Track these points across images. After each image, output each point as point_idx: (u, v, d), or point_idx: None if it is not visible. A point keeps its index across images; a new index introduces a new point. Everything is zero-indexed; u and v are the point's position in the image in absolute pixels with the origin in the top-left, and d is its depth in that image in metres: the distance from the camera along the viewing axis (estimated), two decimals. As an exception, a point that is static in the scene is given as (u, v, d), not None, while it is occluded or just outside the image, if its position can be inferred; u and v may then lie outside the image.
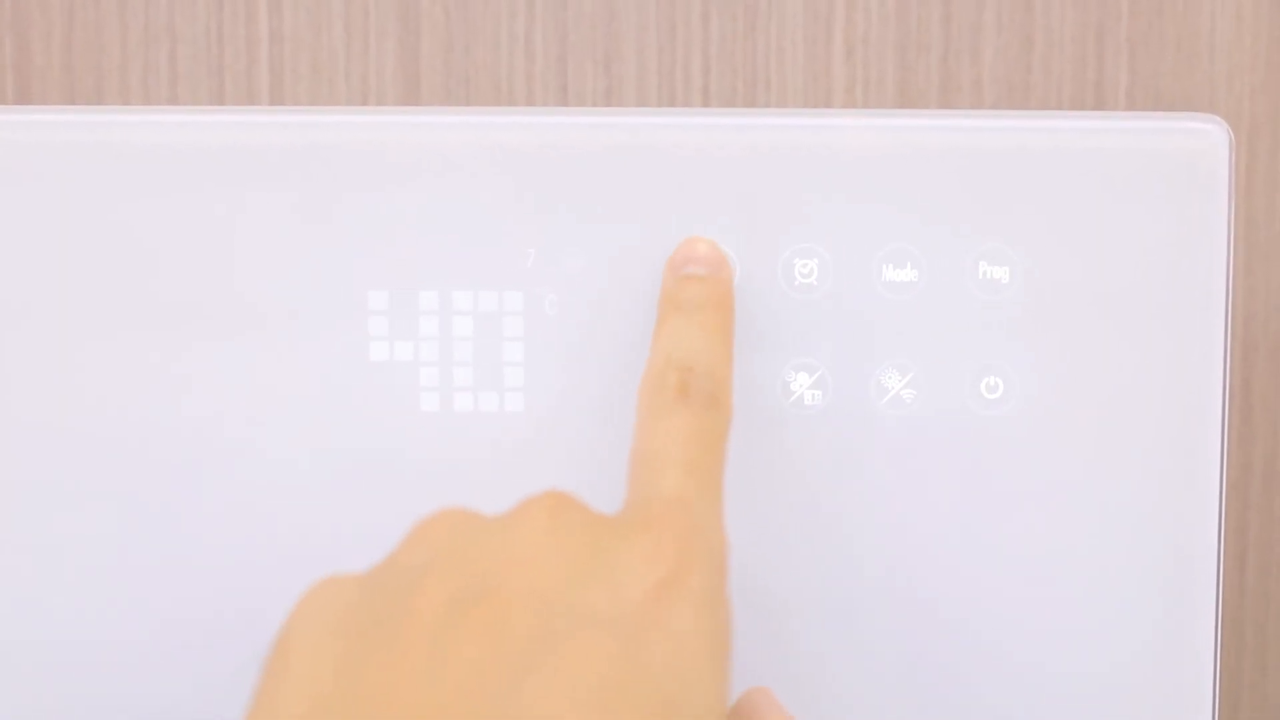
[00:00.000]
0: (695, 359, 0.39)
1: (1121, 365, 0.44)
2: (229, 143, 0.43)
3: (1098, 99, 0.50)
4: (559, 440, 0.44)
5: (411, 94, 0.49)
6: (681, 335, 0.40)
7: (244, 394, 0.44)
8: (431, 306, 0.43)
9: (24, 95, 0.49)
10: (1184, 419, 0.44)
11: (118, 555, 0.44)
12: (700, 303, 0.41)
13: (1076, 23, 0.49)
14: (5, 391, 0.43)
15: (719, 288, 0.42)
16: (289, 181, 0.43)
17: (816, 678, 0.45)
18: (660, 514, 0.34)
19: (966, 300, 0.43)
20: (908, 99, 0.50)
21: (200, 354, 0.43)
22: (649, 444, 0.37)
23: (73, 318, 0.43)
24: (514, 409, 0.44)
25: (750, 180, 0.43)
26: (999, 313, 0.43)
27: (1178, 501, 0.44)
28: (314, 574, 0.44)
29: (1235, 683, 0.51)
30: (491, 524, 0.34)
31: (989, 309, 0.43)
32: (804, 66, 0.49)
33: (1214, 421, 0.44)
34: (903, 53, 0.49)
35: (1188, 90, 0.50)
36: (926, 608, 0.45)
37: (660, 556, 0.32)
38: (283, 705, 0.31)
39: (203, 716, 0.44)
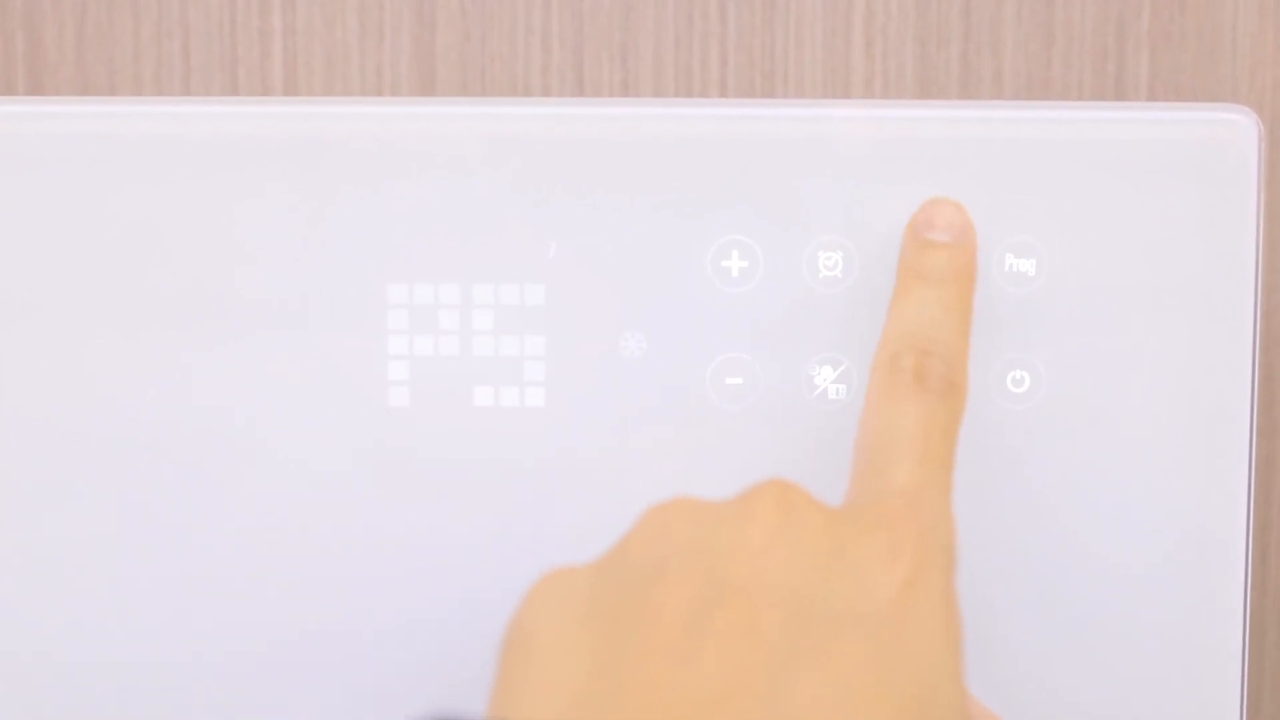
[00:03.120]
0: (933, 340, 0.38)
1: (1148, 358, 0.43)
2: (242, 134, 0.43)
3: (1118, 92, 0.49)
4: (581, 435, 0.43)
5: (426, 87, 0.49)
6: (920, 311, 0.39)
7: (259, 389, 0.43)
8: (452, 300, 0.43)
9: (36, 88, 0.48)
10: (1211, 412, 0.44)
11: (123, 553, 0.44)
12: (941, 274, 0.40)
13: (1097, 15, 0.49)
14: (19, 383, 0.43)
15: (962, 257, 0.40)
16: (304, 174, 0.43)
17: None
18: (897, 510, 0.34)
19: (993, 293, 0.43)
20: (927, 92, 0.49)
21: (212, 348, 0.43)
22: (881, 430, 0.37)
23: (86, 311, 0.43)
24: (535, 403, 0.43)
25: (772, 173, 0.43)
26: (1025, 305, 0.43)
27: (1205, 495, 0.44)
28: (325, 574, 0.44)
29: (1258, 680, 0.51)
30: (724, 515, 0.34)
31: (1015, 301, 0.43)
32: (823, 59, 0.49)
33: (1242, 415, 0.43)
34: (923, 45, 0.49)
35: (1209, 83, 0.49)
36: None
37: (902, 555, 0.33)
38: (537, 697, 0.31)
39: (204, 715, 0.44)
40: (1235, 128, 0.43)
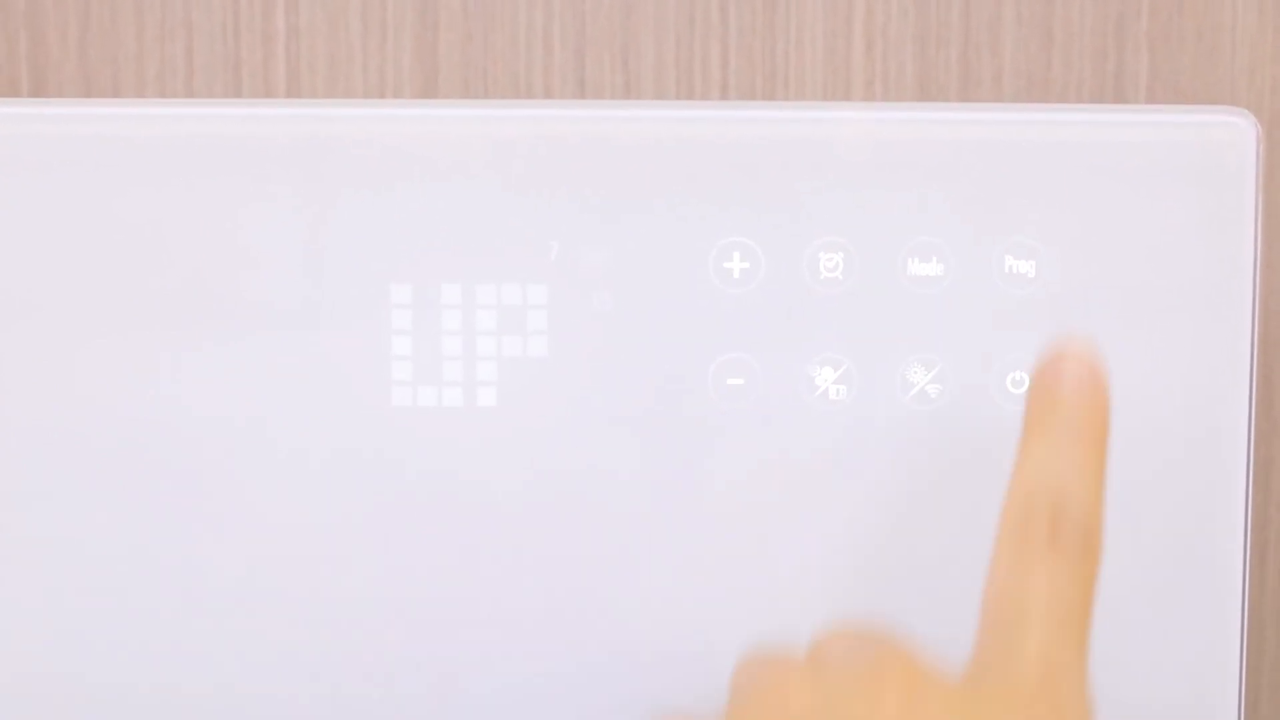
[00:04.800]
0: (1068, 495, 0.35)
1: (1147, 359, 0.43)
2: (246, 136, 0.43)
3: (1117, 93, 0.49)
4: (583, 435, 0.43)
5: (429, 88, 0.49)
6: (1052, 464, 0.36)
7: (262, 389, 0.43)
8: (454, 301, 0.43)
9: (40, 89, 0.48)
10: (1209, 413, 0.44)
11: (125, 553, 0.44)
12: (1075, 426, 0.36)
13: (1096, 16, 0.49)
14: (23, 384, 0.43)
15: (1096, 410, 0.37)
16: (306, 176, 0.43)
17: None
18: (1031, 685, 0.32)
19: (992, 294, 0.43)
20: (927, 93, 0.49)
21: (215, 349, 0.43)
22: (1011, 592, 0.34)
23: (89, 312, 0.43)
24: (536, 403, 0.43)
25: (774, 174, 0.43)
26: (1025, 307, 0.43)
27: (1203, 496, 0.44)
28: (328, 573, 0.44)
29: (1256, 682, 0.51)
30: (845, 686, 0.33)
31: (1015, 303, 0.43)
32: (823, 60, 0.49)
33: (1240, 416, 0.44)
34: (922, 46, 0.49)
35: (1208, 84, 0.50)
36: (951, 602, 0.44)
37: None
38: None
39: (203, 713, 0.44)
40: (1233, 130, 0.43)
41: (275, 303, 0.43)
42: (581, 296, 0.43)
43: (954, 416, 0.43)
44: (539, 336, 0.43)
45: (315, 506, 0.44)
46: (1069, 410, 0.37)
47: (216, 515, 0.44)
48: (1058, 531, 0.35)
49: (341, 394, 0.43)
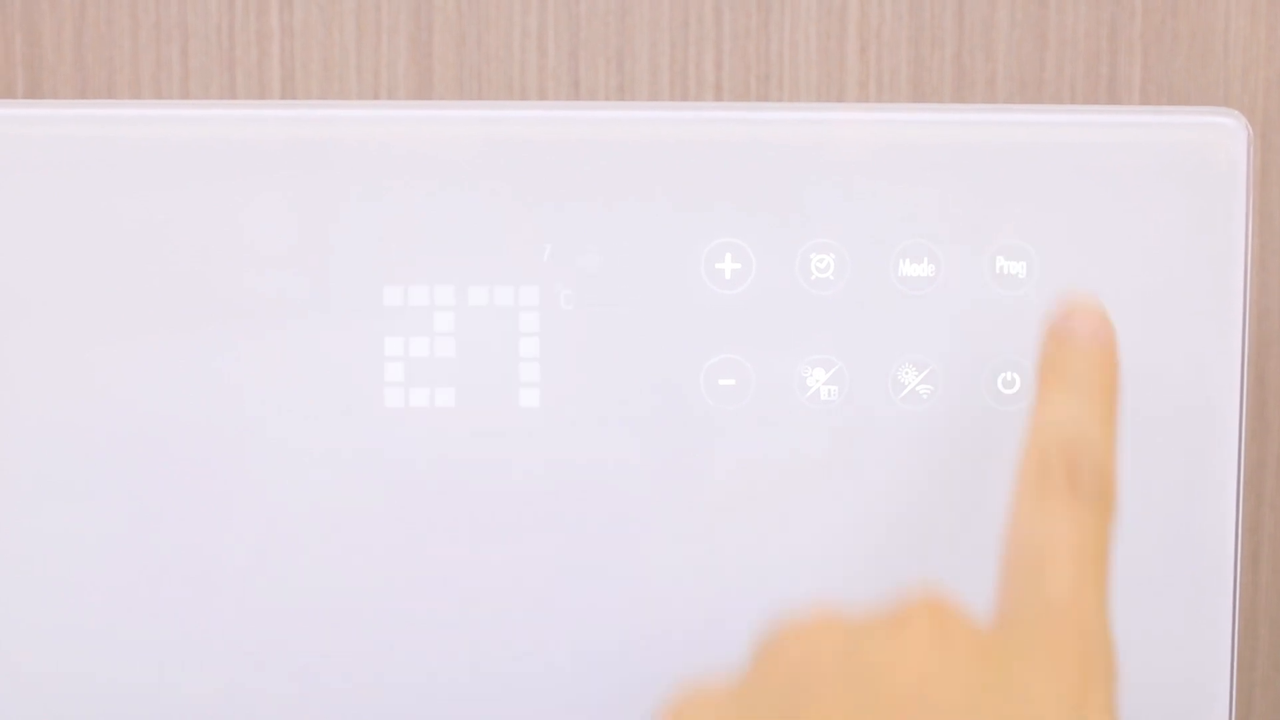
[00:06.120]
0: (1084, 445, 0.36)
1: (1138, 361, 0.44)
2: (240, 137, 0.43)
3: (1111, 95, 0.50)
4: (575, 436, 0.44)
5: (423, 89, 0.49)
6: (1067, 415, 0.37)
7: (255, 390, 0.43)
8: (447, 302, 0.43)
9: (35, 91, 0.48)
10: (1201, 414, 0.44)
11: (122, 553, 0.44)
12: (1087, 379, 0.38)
13: (1090, 18, 0.49)
14: (16, 385, 0.43)
15: (1106, 362, 0.39)
16: (301, 176, 0.43)
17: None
18: (1056, 626, 0.33)
19: (983, 295, 0.43)
20: (921, 95, 0.49)
21: (208, 349, 0.43)
22: (1033, 537, 0.35)
23: (86, 313, 0.43)
24: (530, 405, 0.43)
25: (766, 176, 0.43)
26: (1016, 307, 0.43)
27: (1194, 497, 0.44)
28: (321, 574, 0.44)
29: (1249, 680, 0.51)
30: (872, 633, 0.33)
31: (1006, 304, 0.43)
32: (817, 62, 0.49)
33: (1231, 417, 0.44)
34: (916, 48, 0.49)
35: (1201, 86, 0.50)
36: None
37: (1064, 674, 0.32)
38: None
39: (205, 710, 0.44)
40: (1225, 131, 0.43)
41: (268, 303, 0.43)
42: (574, 298, 0.43)
43: (945, 417, 0.44)
44: (531, 338, 0.43)
45: (309, 507, 0.44)
46: (1081, 362, 0.39)
47: (209, 514, 0.44)
48: (1076, 478, 0.36)
49: (335, 395, 0.43)
